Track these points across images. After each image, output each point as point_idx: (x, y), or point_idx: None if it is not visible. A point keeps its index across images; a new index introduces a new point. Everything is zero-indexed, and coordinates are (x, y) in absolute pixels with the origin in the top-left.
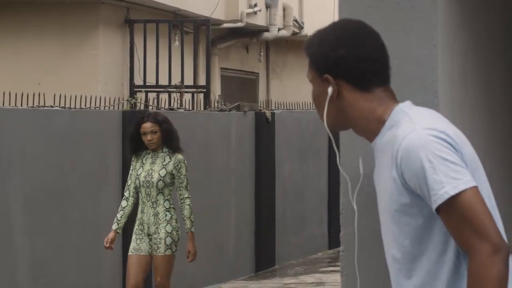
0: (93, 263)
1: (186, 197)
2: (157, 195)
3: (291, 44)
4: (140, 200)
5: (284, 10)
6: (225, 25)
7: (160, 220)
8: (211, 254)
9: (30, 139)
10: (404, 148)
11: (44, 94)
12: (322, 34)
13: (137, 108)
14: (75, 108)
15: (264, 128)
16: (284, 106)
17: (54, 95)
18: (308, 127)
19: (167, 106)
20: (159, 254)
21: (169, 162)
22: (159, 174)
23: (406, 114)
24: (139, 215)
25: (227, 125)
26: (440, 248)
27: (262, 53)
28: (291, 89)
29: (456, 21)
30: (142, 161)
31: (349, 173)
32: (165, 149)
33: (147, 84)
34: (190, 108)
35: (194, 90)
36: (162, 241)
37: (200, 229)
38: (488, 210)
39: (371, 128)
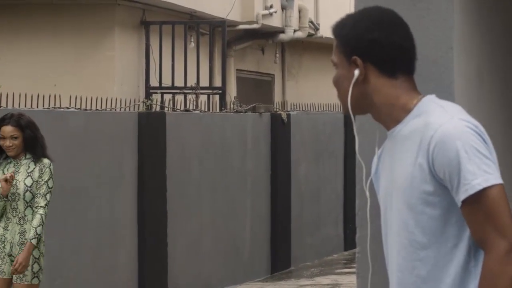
0: (109, 264)
1: (41, 206)
2: (24, 210)
3: (306, 45)
4: (4, 216)
5: (299, 11)
6: (241, 26)
7: (27, 241)
8: (227, 255)
9: (46, 140)
10: (440, 135)
11: (60, 96)
12: (355, 17)
13: (153, 110)
14: (91, 109)
15: (280, 129)
16: (300, 108)
17: (70, 97)
18: (324, 128)
19: (182, 108)
20: (25, 282)
21: (34, 168)
22: (24, 183)
23: (438, 105)
24: (0, 231)
25: (243, 126)
26: (452, 242)
27: (277, 55)
28: (306, 91)
29: (472, 22)
30: (3, 171)
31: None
32: (28, 155)
33: (162, 85)
34: (206, 110)
35: (210, 91)
36: (29, 268)
37: (216, 230)
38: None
39: (393, 115)
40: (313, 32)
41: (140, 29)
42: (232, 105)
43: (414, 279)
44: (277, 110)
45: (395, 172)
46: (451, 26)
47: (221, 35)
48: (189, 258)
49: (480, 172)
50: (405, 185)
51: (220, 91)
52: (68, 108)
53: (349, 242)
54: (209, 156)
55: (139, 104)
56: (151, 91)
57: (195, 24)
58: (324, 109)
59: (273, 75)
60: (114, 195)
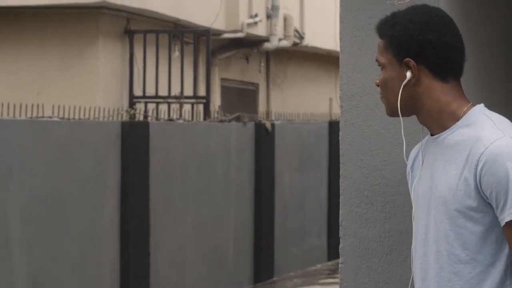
0: (91, 273)
1: None
2: None
3: (291, 54)
4: None
5: (285, 20)
6: (226, 35)
7: None
8: (210, 265)
9: (29, 149)
10: (491, 153)
11: (43, 105)
12: (405, 17)
13: (136, 119)
14: (74, 118)
15: (264, 139)
16: (284, 117)
17: (53, 106)
18: (308, 137)
19: (166, 117)
20: None
21: None
22: None
23: (488, 118)
24: None
25: (227, 136)
26: (490, 260)
27: (262, 64)
28: (291, 100)
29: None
30: None
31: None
32: None
33: (146, 94)
34: (190, 119)
35: (194, 100)
36: None
37: (200, 239)
38: None
39: (441, 121)
40: (298, 41)
41: (124, 38)
42: (216, 115)
43: None
44: (262, 119)
45: (436, 180)
46: None
47: (206, 44)
48: (172, 267)
49: None
50: (448, 197)
51: (204, 100)
52: (51, 117)
53: (333, 252)
54: (192, 165)
55: (122, 113)
56: (134, 100)
57: (179, 33)
58: (309, 119)
59: (258, 84)
60: (97, 204)
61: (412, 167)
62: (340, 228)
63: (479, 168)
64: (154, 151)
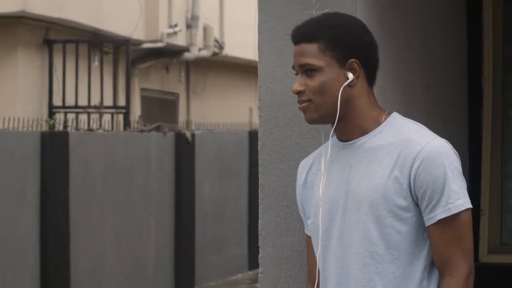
0: (11, 286)
1: None
2: None
3: (211, 64)
4: None
5: (204, 30)
6: (145, 45)
7: None
8: (131, 274)
9: None
10: (429, 151)
11: None
12: (342, 20)
13: (56, 129)
14: None
15: (184, 148)
16: (204, 127)
17: None
18: (228, 147)
19: (86, 127)
20: None
21: None
22: None
23: (411, 122)
24: None
25: (147, 146)
26: (410, 259)
27: (182, 74)
28: (211, 110)
29: (376, 37)
30: None
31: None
32: None
33: (66, 104)
34: (110, 129)
35: (114, 110)
36: None
37: (120, 250)
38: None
39: (363, 126)
40: (218, 51)
41: (43, 48)
42: (136, 125)
43: None
44: (182, 129)
45: (355, 184)
46: None
47: (125, 54)
48: (92, 278)
49: (461, 194)
50: (375, 197)
51: (124, 110)
52: None
53: (253, 261)
54: (112, 175)
55: (42, 124)
56: (54, 110)
57: (98, 42)
58: (229, 128)
59: (178, 94)
60: (16, 215)
61: (306, 178)
62: (260, 238)
63: (414, 167)
64: (74, 161)
